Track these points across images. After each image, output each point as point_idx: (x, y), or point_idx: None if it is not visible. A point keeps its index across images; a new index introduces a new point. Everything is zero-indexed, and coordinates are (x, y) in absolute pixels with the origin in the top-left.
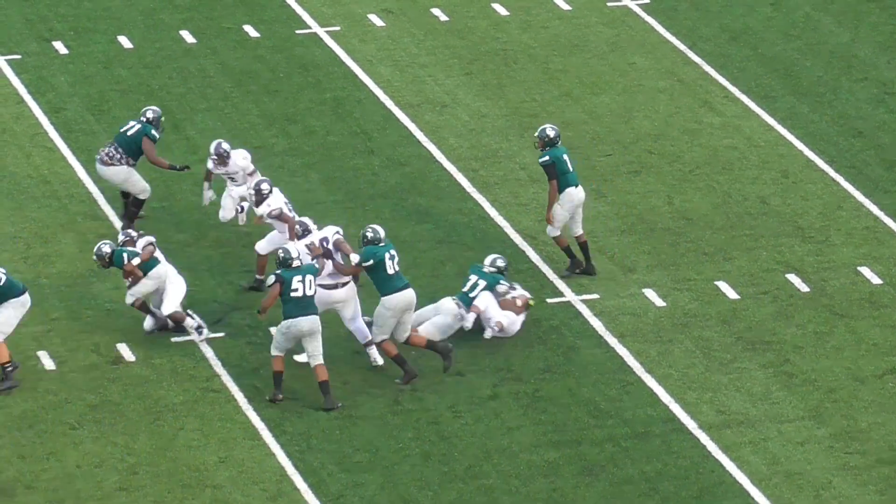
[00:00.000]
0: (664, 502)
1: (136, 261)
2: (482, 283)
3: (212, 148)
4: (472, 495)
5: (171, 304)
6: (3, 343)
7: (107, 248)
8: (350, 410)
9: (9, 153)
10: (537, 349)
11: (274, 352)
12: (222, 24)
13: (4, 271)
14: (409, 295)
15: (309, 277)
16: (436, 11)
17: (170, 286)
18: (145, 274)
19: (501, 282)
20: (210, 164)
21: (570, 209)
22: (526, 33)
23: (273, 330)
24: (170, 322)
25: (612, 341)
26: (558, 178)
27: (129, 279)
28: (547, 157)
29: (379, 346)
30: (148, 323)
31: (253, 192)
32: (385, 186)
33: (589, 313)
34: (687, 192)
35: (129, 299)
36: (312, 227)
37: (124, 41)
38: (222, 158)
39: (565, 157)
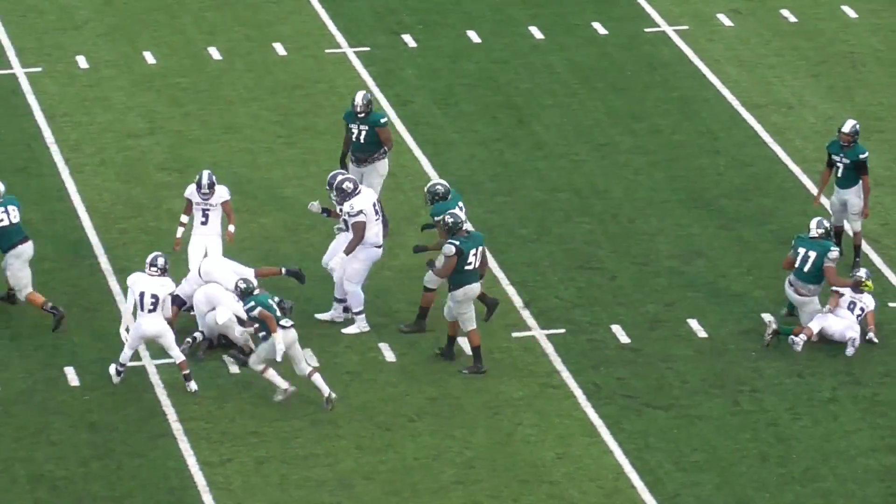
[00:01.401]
0: None
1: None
2: (812, 255)
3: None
4: (809, 498)
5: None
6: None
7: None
8: (689, 410)
9: None
10: (878, 353)
11: (471, 326)
12: (571, 21)
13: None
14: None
15: (481, 249)
16: (784, 12)
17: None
18: None
19: (832, 248)
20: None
21: None
22: (875, 36)
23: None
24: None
25: None
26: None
27: None
28: (867, 153)
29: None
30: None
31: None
32: (729, 186)
33: None
34: None
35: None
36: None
37: (473, 35)
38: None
39: None
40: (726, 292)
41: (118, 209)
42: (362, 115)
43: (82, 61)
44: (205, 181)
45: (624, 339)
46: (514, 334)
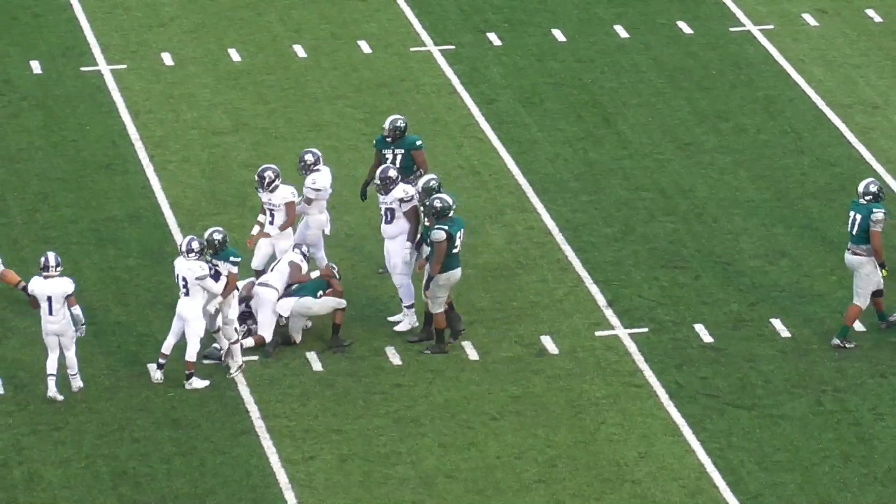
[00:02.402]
0: None
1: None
2: (858, 218)
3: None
4: (892, 498)
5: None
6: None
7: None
8: (771, 410)
9: (440, 143)
10: None
11: (438, 310)
12: (656, 20)
13: None
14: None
15: (462, 232)
16: (870, 12)
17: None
18: None
19: (875, 209)
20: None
21: None
22: None
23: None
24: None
25: None
26: None
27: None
28: None
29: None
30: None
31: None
32: (814, 187)
33: None
34: None
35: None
36: None
37: (558, 34)
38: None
39: None
40: (810, 292)
41: (202, 206)
42: (390, 139)
43: (168, 58)
44: (257, 175)
45: (707, 338)
46: (598, 333)
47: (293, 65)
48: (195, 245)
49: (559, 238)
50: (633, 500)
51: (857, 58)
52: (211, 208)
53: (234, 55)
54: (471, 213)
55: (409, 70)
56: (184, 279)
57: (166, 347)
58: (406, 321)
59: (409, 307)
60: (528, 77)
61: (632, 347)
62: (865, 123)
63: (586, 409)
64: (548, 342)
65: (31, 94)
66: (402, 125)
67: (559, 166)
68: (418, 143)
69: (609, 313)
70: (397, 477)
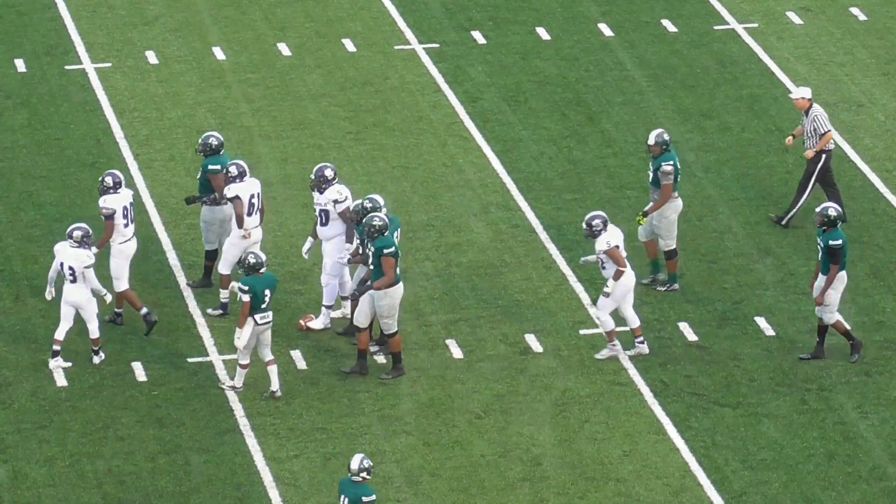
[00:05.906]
0: None
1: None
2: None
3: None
4: (876, 497)
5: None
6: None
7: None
8: (756, 408)
9: (424, 141)
10: None
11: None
12: (641, 18)
13: None
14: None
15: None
16: (854, 10)
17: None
18: None
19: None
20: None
21: None
22: None
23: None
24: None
25: None
26: None
27: None
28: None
29: None
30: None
31: None
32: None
33: None
34: None
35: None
36: None
37: (542, 32)
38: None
39: None
40: (794, 290)
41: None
42: (200, 153)
43: (152, 57)
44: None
45: (692, 336)
46: (582, 332)
47: (278, 63)
48: (77, 234)
49: (543, 236)
50: (618, 499)
51: (842, 56)
52: (195, 207)
53: (219, 53)
54: (455, 212)
55: (393, 68)
56: (70, 268)
57: (60, 334)
58: (320, 320)
59: (328, 307)
60: (512, 75)
61: (616, 346)
62: (850, 121)
63: (571, 407)
64: (532, 341)
65: (15, 93)
66: (214, 143)
67: (543, 164)
68: (210, 167)
69: (593, 312)
70: (382, 475)
